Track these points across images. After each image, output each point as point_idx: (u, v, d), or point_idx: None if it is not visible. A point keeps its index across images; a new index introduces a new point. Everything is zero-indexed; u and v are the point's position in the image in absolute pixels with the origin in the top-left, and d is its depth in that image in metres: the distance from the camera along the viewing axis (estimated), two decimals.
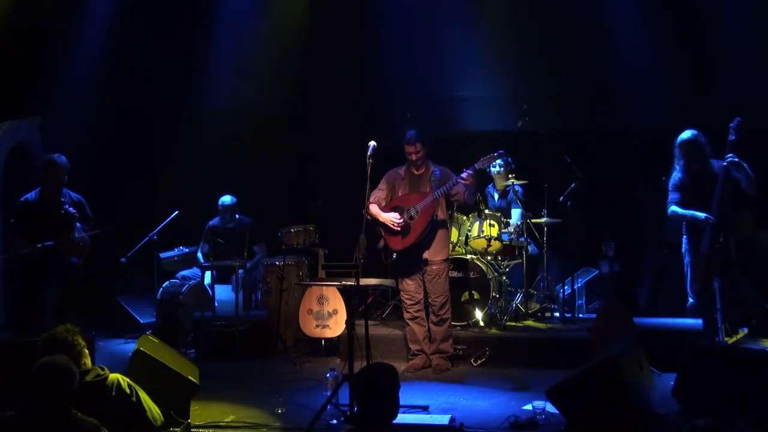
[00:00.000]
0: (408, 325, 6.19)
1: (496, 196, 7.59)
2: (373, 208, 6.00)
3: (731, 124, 5.53)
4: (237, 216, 7.59)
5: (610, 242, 5.94)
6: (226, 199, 7.55)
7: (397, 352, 6.39)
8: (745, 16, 7.35)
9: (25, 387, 3.33)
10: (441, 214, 6.09)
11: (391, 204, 6.06)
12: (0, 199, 7.83)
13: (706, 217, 5.51)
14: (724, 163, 5.49)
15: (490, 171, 7.37)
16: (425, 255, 6.03)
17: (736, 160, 5.48)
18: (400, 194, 6.10)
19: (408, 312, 6.16)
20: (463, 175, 5.77)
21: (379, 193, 6.11)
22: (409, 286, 6.11)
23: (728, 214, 5.64)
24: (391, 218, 5.94)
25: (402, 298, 6.22)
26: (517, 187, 7.16)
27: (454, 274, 6.60)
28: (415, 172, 6.10)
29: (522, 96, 7.42)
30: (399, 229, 5.93)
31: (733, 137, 5.49)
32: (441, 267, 6.07)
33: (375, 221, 6.03)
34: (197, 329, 6.81)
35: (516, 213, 7.32)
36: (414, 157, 5.99)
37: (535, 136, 7.10)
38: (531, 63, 7.89)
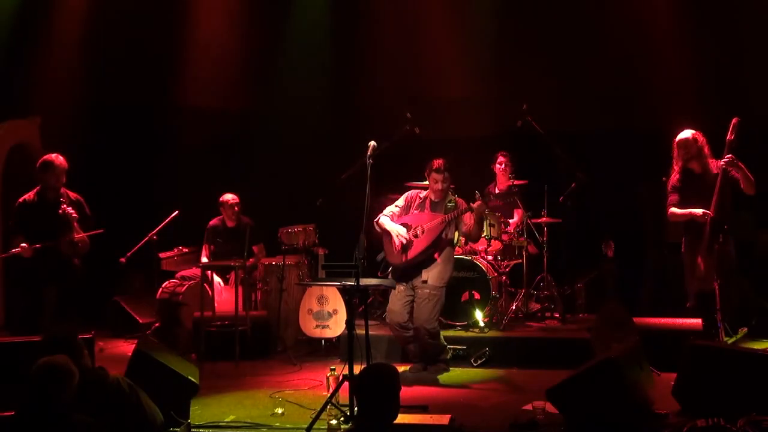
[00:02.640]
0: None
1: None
2: (384, 220, 5.96)
3: (730, 124, 5.53)
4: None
5: (610, 242, 5.93)
6: (229, 196, 7.53)
7: (397, 353, 6.38)
8: (745, 15, 7.37)
9: (25, 387, 3.33)
10: (446, 242, 5.92)
11: (401, 221, 5.98)
12: (0, 199, 7.83)
13: (703, 212, 5.51)
14: (722, 163, 5.49)
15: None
16: (423, 276, 5.87)
17: (735, 160, 5.48)
18: (414, 212, 6.01)
19: (394, 323, 5.94)
20: (474, 205, 5.67)
21: (394, 209, 6.05)
22: (396, 306, 5.89)
23: (728, 214, 5.64)
24: (398, 231, 5.86)
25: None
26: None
27: (455, 274, 6.58)
28: (435, 199, 5.98)
29: (522, 95, 7.42)
30: (400, 244, 5.82)
31: (732, 137, 5.49)
32: (434, 293, 5.86)
33: (383, 232, 5.96)
34: (197, 329, 6.81)
35: (516, 214, 7.33)
36: (440, 186, 5.89)
37: (535, 136, 7.10)
38: (531, 62, 7.89)
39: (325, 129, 8.49)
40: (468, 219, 5.84)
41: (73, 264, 6.11)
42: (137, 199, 8.25)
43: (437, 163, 5.90)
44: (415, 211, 6.00)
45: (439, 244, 5.88)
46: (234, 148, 8.57)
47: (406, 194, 6.14)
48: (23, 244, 5.93)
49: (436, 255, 5.88)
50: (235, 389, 5.70)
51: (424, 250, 5.83)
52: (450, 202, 5.89)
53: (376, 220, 5.94)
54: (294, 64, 8.49)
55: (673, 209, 5.71)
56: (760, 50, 7.33)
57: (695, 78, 7.43)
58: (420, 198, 6.06)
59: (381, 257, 6.36)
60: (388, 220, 5.97)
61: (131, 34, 8.12)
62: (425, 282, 5.87)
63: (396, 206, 6.08)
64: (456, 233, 6.05)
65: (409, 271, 5.91)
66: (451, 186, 5.97)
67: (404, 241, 5.83)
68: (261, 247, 7.60)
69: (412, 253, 5.85)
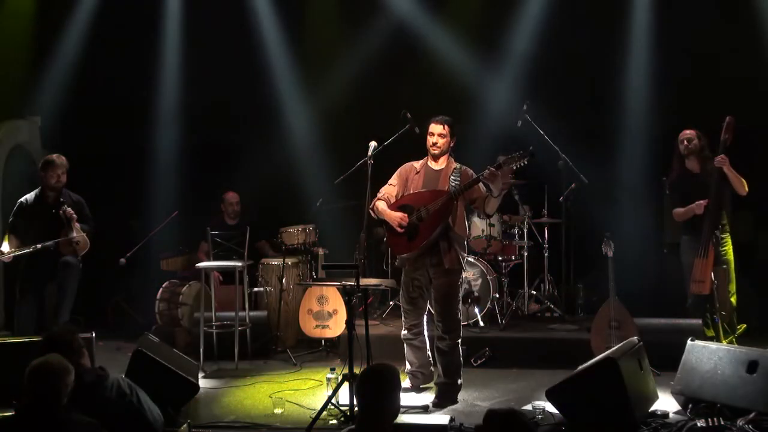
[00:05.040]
0: (405, 345, 5.47)
1: None
2: (380, 205, 5.16)
3: (724, 123, 5.56)
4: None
5: (610, 242, 5.94)
6: (230, 195, 7.55)
7: (397, 352, 6.33)
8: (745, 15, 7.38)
9: (23, 388, 3.34)
10: (459, 220, 5.12)
11: (400, 202, 5.18)
12: None
13: (697, 204, 5.61)
14: (716, 162, 5.54)
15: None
16: (435, 262, 5.10)
17: (724, 159, 5.51)
18: (411, 191, 5.19)
19: (405, 330, 5.41)
20: (485, 172, 4.86)
21: (389, 189, 5.26)
22: (409, 303, 5.32)
23: (726, 213, 5.66)
24: (398, 217, 5.08)
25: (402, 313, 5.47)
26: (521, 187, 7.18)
27: None
28: (434, 166, 5.21)
29: (522, 95, 7.42)
30: (402, 230, 5.08)
31: (726, 136, 5.51)
32: (454, 279, 5.15)
33: (381, 220, 5.23)
34: (197, 329, 6.80)
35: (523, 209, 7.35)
36: (438, 141, 5.10)
37: (535, 136, 7.10)
38: (531, 61, 7.89)
39: (325, 129, 8.48)
40: (479, 192, 5.08)
41: (72, 264, 6.12)
42: (137, 200, 8.24)
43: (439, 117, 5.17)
44: (413, 187, 5.22)
45: (451, 227, 5.07)
46: (234, 149, 8.56)
47: (399, 170, 5.36)
48: (3, 249, 5.91)
49: (448, 239, 5.07)
50: (235, 389, 5.70)
51: (431, 236, 5.01)
52: (455, 171, 5.15)
53: (371, 206, 5.16)
54: (295, 65, 8.47)
55: (677, 210, 5.75)
56: (759, 50, 7.34)
57: (696, 78, 7.43)
58: (416, 169, 5.27)
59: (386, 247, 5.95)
60: (385, 205, 5.17)
61: (132, 34, 8.11)
62: (435, 271, 5.10)
63: (391, 185, 5.31)
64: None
65: (418, 262, 5.17)
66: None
67: (405, 228, 5.07)
68: (262, 246, 7.63)
69: (419, 242, 5.04)
